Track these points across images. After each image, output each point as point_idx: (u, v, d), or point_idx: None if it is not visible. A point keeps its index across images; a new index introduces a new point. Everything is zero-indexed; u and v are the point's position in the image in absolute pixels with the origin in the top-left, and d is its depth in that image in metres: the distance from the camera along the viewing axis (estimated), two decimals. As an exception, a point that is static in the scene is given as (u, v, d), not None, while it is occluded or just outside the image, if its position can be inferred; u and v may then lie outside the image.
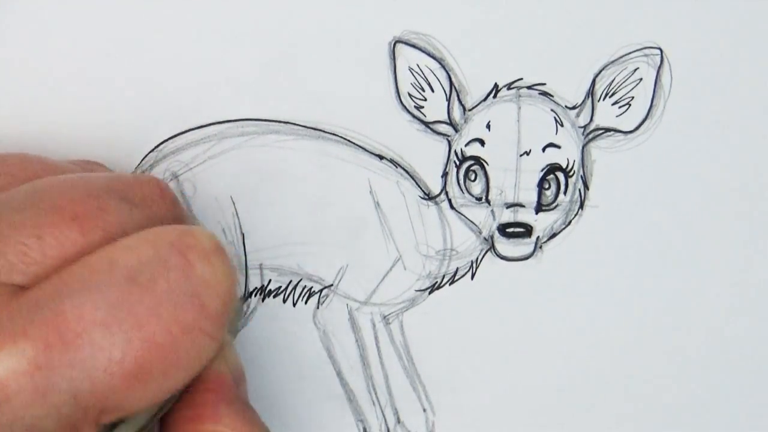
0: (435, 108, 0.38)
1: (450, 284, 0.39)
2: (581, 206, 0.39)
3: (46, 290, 0.28)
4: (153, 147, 0.38)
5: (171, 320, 0.29)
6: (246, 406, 0.32)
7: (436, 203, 0.39)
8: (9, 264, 0.29)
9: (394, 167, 0.39)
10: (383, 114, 0.38)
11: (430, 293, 0.39)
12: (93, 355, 0.28)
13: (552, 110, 0.38)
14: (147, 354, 0.28)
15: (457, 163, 0.39)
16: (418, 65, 0.38)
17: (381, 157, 0.39)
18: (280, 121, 0.38)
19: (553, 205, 0.39)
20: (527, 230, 0.39)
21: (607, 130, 0.39)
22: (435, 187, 0.39)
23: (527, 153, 0.38)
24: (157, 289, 0.29)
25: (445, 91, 0.38)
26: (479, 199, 0.39)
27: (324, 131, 0.38)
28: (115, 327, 0.28)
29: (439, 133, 0.39)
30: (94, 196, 0.30)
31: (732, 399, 0.40)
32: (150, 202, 0.31)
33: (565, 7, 0.38)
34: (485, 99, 0.38)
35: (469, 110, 0.38)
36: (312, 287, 0.39)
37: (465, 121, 0.38)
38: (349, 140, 0.38)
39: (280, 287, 0.39)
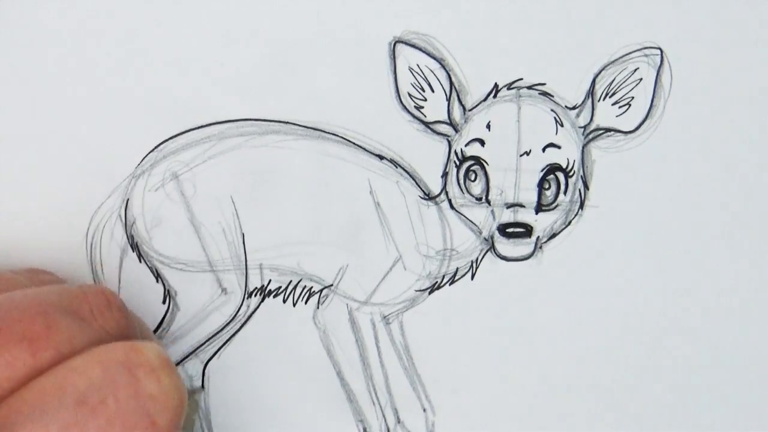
0: (435, 108, 0.38)
1: (450, 284, 0.39)
2: (581, 206, 0.39)
3: None
4: (153, 147, 0.38)
5: None
6: None
7: (436, 203, 0.39)
8: None
9: (394, 167, 0.39)
10: (383, 114, 0.38)
11: (430, 293, 0.39)
12: None
13: (552, 110, 0.38)
14: None
15: (457, 163, 0.39)
16: (418, 65, 0.38)
17: (381, 157, 0.39)
18: (280, 121, 0.38)
19: (553, 205, 0.39)
20: (527, 230, 0.39)
21: (607, 130, 0.39)
22: (435, 187, 0.39)
23: (527, 153, 0.38)
24: (107, 410, 0.29)
25: (445, 91, 0.38)
26: (479, 199, 0.39)
27: (324, 131, 0.38)
28: None
29: (439, 133, 0.39)
30: (42, 314, 0.30)
31: (732, 399, 0.40)
32: (98, 314, 0.32)
33: (565, 7, 0.38)
34: (485, 99, 0.38)
35: (469, 110, 0.38)
36: (312, 287, 0.39)
37: (465, 121, 0.38)
38: (349, 140, 0.38)
39: (280, 287, 0.39)
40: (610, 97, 0.38)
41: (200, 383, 0.39)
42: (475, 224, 0.39)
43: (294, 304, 0.39)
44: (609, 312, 0.40)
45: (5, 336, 0.30)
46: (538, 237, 0.39)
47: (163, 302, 0.39)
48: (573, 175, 0.39)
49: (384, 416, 0.40)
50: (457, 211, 0.39)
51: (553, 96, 0.38)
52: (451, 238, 0.39)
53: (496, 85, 0.38)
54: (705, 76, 0.38)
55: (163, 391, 0.30)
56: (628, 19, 0.38)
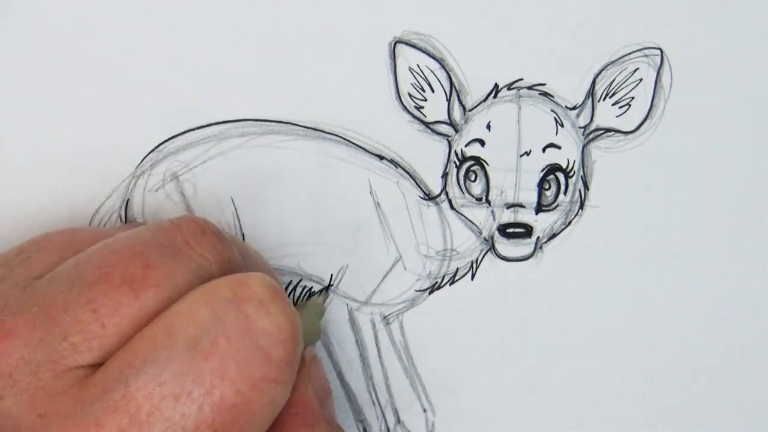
0: (435, 108, 0.38)
1: (450, 284, 0.39)
2: (581, 207, 0.39)
3: (111, 373, 0.28)
4: (153, 147, 0.38)
5: (238, 379, 0.29)
6: (330, 426, 0.32)
7: (437, 203, 0.39)
8: (72, 346, 0.29)
9: (395, 167, 0.39)
10: (383, 114, 0.38)
11: (430, 293, 0.39)
12: (167, 429, 0.28)
13: (552, 110, 0.38)
14: (220, 417, 0.28)
15: (458, 163, 0.39)
16: (418, 65, 0.38)
17: (381, 158, 0.39)
18: (280, 121, 0.38)
19: (554, 205, 0.39)
20: (527, 230, 0.39)
21: (608, 130, 0.39)
22: (435, 188, 0.39)
23: (527, 153, 0.38)
24: (219, 350, 0.29)
25: (445, 92, 0.38)
26: (479, 199, 0.39)
27: (324, 131, 0.38)
28: (184, 397, 0.28)
29: (439, 134, 0.39)
30: (138, 254, 0.30)
31: (732, 399, 0.40)
32: (194, 243, 0.31)
33: (565, 7, 0.38)
34: (485, 99, 0.38)
35: (470, 110, 0.38)
36: (312, 287, 0.39)
37: (465, 122, 0.38)
38: (349, 140, 0.38)
39: (280, 287, 0.39)
40: (610, 97, 0.38)
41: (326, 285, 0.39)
42: (475, 224, 0.39)
43: (294, 304, 0.39)
44: (609, 312, 0.40)
45: (105, 284, 0.29)
46: (538, 237, 0.39)
47: (163, 302, 0.39)
48: (573, 175, 0.39)
49: (384, 416, 0.40)
50: (457, 211, 0.39)
51: (553, 96, 0.38)
52: (451, 239, 0.39)
53: (496, 86, 0.38)
54: (705, 77, 0.38)
55: (274, 324, 0.29)
56: (628, 19, 0.38)
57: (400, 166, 0.39)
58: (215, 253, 0.31)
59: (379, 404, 0.40)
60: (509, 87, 0.38)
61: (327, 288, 0.39)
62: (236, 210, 0.39)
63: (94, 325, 0.29)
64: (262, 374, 0.29)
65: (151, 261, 0.30)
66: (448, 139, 0.39)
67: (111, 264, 0.30)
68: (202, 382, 0.28)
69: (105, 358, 0.29)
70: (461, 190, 0.39)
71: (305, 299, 0.39)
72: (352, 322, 0.40)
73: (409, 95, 0.38)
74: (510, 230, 0.39)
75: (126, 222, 0.39)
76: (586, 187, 0.39)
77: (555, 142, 0.38)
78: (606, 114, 0.38)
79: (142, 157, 0.38)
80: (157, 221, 0.32)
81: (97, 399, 0.28)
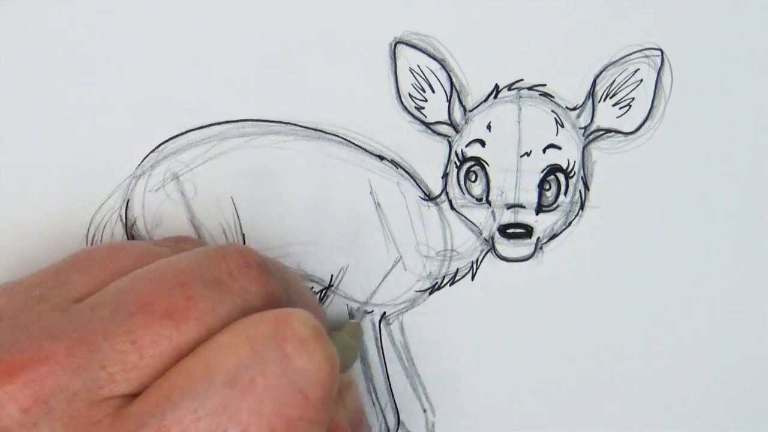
0: (435, 109, 0.38)
1: (450, 285, 0.39)
2: (581, 207, 0.39)
3: (146, 406, 0.28)
4: (153, 147, 0.38)
5: (274, 418, 0.28)
6: None
7: (437, 204, 0.39)
8: (109, 376, 0.29)
9: (395, 168, 0.39)
10: (384, 114, 0.38)
11: (430, 294, 0.39)
12: None
13: (552, 111, 0.38)
14: None
15: (458, 163, 0.39)
16: (418, 66, 0.38)
17: (381, 158, 0.39)
18: (280, 122, 0.38)
19: (554, 206, 0.39)
20: (527, 231, 0.39)
21: (608, 131, 0.39)
22: (435, 188, 0.39)
23: (528, 154, 0.38)
24: (257, 389, 0.28)
25: (445, 92, 0.38)
26: (480, 199, 0.39)
27: (324, 132, 0.38)
28: None
29: (439, 134, 0.39)
30: (181, 286, 0.30)
31: (732, 399, 0.40)
32: (237, 275, 0.31)
33: (565, 8, 0.38)
34: (486, 100, 0.38)
35: (470, 111, 0.38)
36: (312, 287, 0.39)
37: (465, 122, 0.38)
38: (349, 141, 0.38)
39: (281, 287, 0.39)
40: (610, 98, 0.38)
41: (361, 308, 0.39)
42: (475, 225, 0.39)
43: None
44: (609, 312, 0.40)
45: (147, 313, 0.29)
46: (539, 238, 0.39)
47: (164, 302, 0.39)
48: (573, 175, 0.39)
49: (384, 416, 0.40)
50: (457, 211, 0.39)
51: (553, 97, 0.38)
52: (451, 239, 0.39)
53: (496, 86, 0.38)
54: (705, 77, 0.38)
55: (313, 364, 0.29)
56: (628, 19, 0.38)
57: (401, 167, 0.39)
58: (259, 286, 0.31)
59: (379, 404, 0.40)
60: (510, 87, 0.38)
61: (363, 310, 0.39)
62: (236, 210, 0.39)
63: (133, 356, 0.29)
64: (299, 414, 0.29)
65: (194, 293, 0.30)
66: (448, 140, 0.39)
67: (153, 294, 0.29)
68: (239, 420, 0.28)
69: (141, 388, 0.29)
70: (461, 190, 0.39)
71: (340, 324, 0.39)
72: (353, 322, 0.40)
73: (410, 96, 0.38)
74: (510, 231, 0.39)
75: (126, 220, 0.39)
76: (587, 187, 0.39)
77: (555, 142, 0.38)
78: (606, 115, 0.38)
79: (143, 157, 0.38)
80: (199, 250, 0.32)
81: (133, 431, 0.28)
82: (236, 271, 0.31)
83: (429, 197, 0.39)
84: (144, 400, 0.28)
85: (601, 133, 0.39)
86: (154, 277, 0.30)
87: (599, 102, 0.38)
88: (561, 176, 0.39)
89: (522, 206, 0.39)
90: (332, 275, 0.39)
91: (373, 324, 0.40)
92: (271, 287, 0.31)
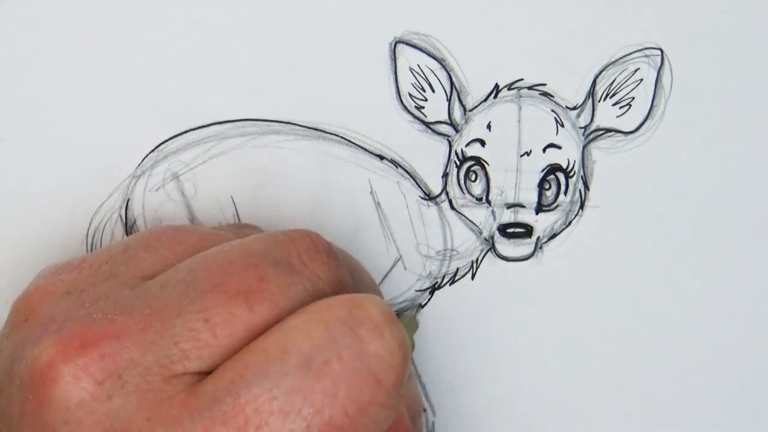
0: (435, 108, 0.38)
1: (450, 284, 0.39)
2: (581, 207, 0.39)
3: (221, 383, 0.28)
4: (153, 147, 0.38)
5: (347, 401, 0.28)
6: None
7: (437, 203, 0.39)
8: (182, 352, 0.29)
9: (395, 167, 0.39)
10: (384, 114, 0.38)
11: (430, 293, 0.39)
12: None
13: (552, 111, 0.38)
14: None
15: (458, 163, 0.39)
16: (418, 65, 0.38)
17: (381, 158, 0.39)
18: (280, 121, 0.38)
19: (554, 205, 0.39)
20: (527, 231, 0.39)
21: (608, 130, 0.39)
22: (435, 188, 0.39)
23: (528, 153, 0.38)
24: (332, 371, 0.28)
25: (445, 92, 0.38)
26: (480, 199, 0.39)
27: (324, 131, 0.38)
28: (293, 415, 0.28)
29: (439, 134, 0.39)
30: (253, 266, 0.30)
31: (732, 399, 0.40)
32: (307, 260, 0.31)
33: (565, 7, 0.38)
34: (486, 99, 0.38)
35: (470, 110, 0.38)
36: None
37: (465, 122, 0.38)
38: (349, 140, 0.38)
39: (281, 287, 0.39)
40: (610, 97, 0.38)
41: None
42: (475, 224, 0.39)
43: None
44: (609, 312, 0.40)
45: (220, 294, 0.29)
46: (539, 237, 0.39)
47: (164, 302, 0.39)
48: (573, 175, 0.39)
49: (384, 416, 0.40)
50: (457, 211, 0.39)
51: (553, 96, 0.38)
52: (451, 239, 0.39)
53: (496, 86, 0.38)
54: (705, 77, 0.38)
55: (387, 349, 0.29)
56: (628, 19, 0.38)
57: (401, 166, 0.39)
58: (327, 271, 0.31)
59: (380, 404, 0.40)
60: (510, 87, 0.38)
61: (418, 303, 0.39)
62: (236, 210, 0.39)
63: (205, 333, 0.29)
64: (371, 398, 0.29)
65: (266, 275, 0.30)
66: (448, 139, 0.39)
67: (226, 273, 0.30)
68: (313, 401, 0.28)
69: (213, 367, 0.29)
70: (461, 190, 0.39)
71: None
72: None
73: (410, 95, 0.38)
74: (510, 230, 0.39)
75: (126, 220, 0.39)
76: (587, 187, 0.39)
77: (555, 142, 0.38)
78: (606, 114, 0.38)
79: (143, 157, 0.38)
80: (269, 233, 0.32)
81: (206, 408, 0.28)
82: (306, 255, 0.31)
83: (429, 197, 0.39)
84: (218, 378, 0.28)
85: (601, 132, 0.39)
86: (226, 258, 0.30)
87: (599, 101, 0.38)
88: (561, 176, 0.39)
89: (522, 206, 0.39)
90: (332, 275, 0.39)
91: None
92: (339, 273, 0.32)
